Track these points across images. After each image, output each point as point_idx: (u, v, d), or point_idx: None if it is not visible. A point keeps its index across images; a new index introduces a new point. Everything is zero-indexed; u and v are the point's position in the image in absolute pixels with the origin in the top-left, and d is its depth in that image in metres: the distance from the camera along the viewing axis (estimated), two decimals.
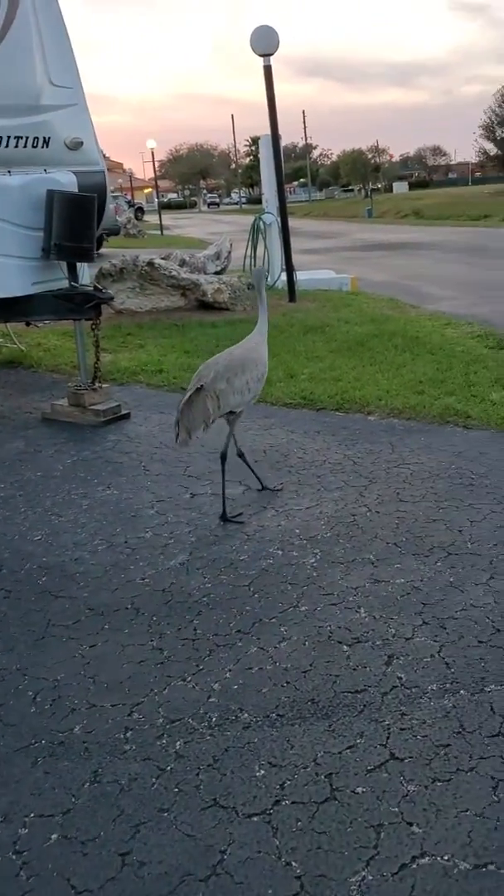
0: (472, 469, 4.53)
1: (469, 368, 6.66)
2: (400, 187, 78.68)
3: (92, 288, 6.00)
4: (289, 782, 2.26)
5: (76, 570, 3.59)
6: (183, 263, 11.26)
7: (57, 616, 3.22)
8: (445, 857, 1.99)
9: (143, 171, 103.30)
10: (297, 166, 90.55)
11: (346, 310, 10.17)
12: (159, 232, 35.96)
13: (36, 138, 6.18)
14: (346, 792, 2.21)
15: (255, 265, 12.57)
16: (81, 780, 2.32)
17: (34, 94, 6.23)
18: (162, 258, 10.82)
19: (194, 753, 2.40)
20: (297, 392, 6.14)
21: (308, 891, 1.93)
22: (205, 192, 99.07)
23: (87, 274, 6.22)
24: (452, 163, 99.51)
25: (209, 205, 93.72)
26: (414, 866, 1.97)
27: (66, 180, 6.08)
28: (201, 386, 3.82)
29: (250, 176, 76.95)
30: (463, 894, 1.90)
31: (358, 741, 2.40)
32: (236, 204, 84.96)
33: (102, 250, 20.20)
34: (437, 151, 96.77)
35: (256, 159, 12.79)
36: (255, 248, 12.55)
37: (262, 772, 2.31)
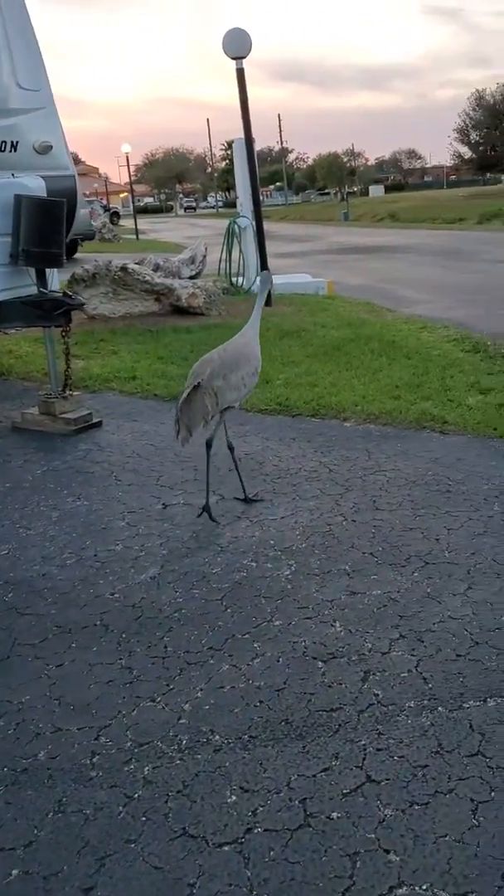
0: (448, 475, 4.47)
1: (445, 372, 6.62)
2: (376, 190, 79.08)
3: (61, 294, 5.89)
4: (261, 808, 2.17)
5: (44, 586, 3.48)
6: (157, 268, 11.16)
7: (23, 634, 3.11)
8: (424, 887, 1.91)
9: (119, 175, 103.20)
10: (273, 170, 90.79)
11: (322, 314, 10.12)
12: (135, 236, 35.80)
13: (3, 142, 6.07)
14: (320, 818, 2.13)
15: (230, 269, 12.51)
16: (45, 809, 2.22)
17: (1, 97, 6.13)
18: (136, 263, 10.71)
19: (163, 779, 2.31)
20: (272, 398, 6.06)
21: None
22: (181, 196, 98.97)
23: (56, 280, 6.11)
24: (428, 166, 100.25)
25: (186, 209, 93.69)
26: None
27: (35, 185, 5.96)
28: (199, 383, 3.81)
29: (227, 180, 76.92)
30: None
31: (333, 763, 2.32)
32: (213, 208, 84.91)
33: (77, 255, 20.08)
34: (412, 155, 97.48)
35: (232, 163, 12.73)
36: (230, 251, 12.48)
37: (234, 797, 2.22)
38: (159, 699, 2.66)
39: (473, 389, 6.09)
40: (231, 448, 4.16)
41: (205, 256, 12.41)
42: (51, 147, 6.47)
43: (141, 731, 2.51)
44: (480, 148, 55.96)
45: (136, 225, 37.84)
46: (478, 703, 2.54)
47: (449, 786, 2.21)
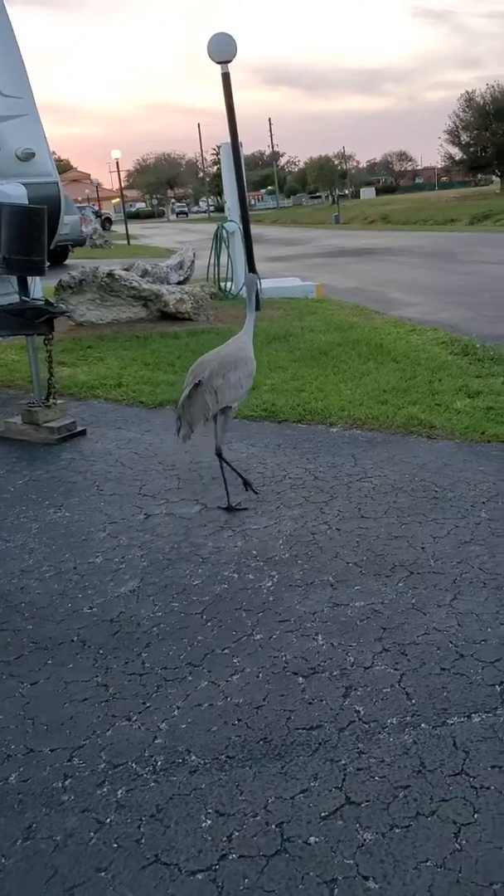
0: (435, 482, 4.40)
1: (433, 376, 6.56)
2: (367, 193, 79.04)
3: (44, 302, 5.82)
4: (237, 833, 2.10)
5: (21, 600, 3.40)
6: (145, 273, 11.09)
7: None
8: None
9: (111, 181, 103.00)
10: (264, 174, 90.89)
11: (310, 318, 10.06)
12: (126, 242, 35.74)
13: None
14: (297, 843, 2.06)
15: (218, 274, 12.46)
16: (13, 836, 2.15)
17: None
18: (124, 269, 10.64)
19: (136, 802, 2.23)
20: (258, 404, 5.99)
21: None
22: (173, 201, 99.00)
23: (39, 288, 6.04)
24: (419, 168, 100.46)
25: (177, 214, 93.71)
26: None
27: (16, 192, 5.91)
28: (199, 382, 3.87)
29: (218, 184, 76.79)
30: None
31: (312, 784, 2.25)
32: (204, 212, 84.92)
33: (67, 261, 20.00)
34: (403, 157, 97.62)
35: None
36: (218, 256, 12.42)
37: (209, 822, 2.14)
38: (135, 718, 2.59)
39: (461, 393, 6.03)
40: (220, 455, 4.16)
41: (193, 261, 12.34)
42: (33, 154, 6.42)
43: (115, 751, 2.44)
44: (471, 149, 55.88)
45: (126, 230, 37.79)
46: (462, 720, 2.47)
47: (431, 807, 2.14)
